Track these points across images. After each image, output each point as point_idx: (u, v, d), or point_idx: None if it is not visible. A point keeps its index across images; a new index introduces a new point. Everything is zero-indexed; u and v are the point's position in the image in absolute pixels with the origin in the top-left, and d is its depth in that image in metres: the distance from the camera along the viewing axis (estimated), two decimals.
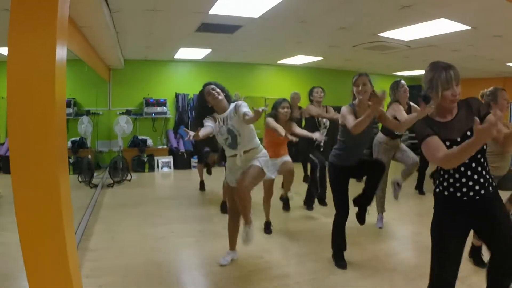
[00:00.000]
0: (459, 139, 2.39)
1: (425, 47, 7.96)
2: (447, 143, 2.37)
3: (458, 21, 5.87)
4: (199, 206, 6.90)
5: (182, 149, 10.82)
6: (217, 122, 3.88)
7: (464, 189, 2.44)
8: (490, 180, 2.49)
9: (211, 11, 5.61)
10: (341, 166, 4.01)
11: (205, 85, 3.96)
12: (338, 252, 4.19)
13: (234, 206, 4.10)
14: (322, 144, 5.80)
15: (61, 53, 2.15)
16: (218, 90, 3.88)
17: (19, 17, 2.01)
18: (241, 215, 4.02)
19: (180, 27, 6.78)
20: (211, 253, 4.59)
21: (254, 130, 4.00)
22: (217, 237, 5.08)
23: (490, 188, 2.47)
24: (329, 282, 3.84)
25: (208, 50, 9.42)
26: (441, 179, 2.56)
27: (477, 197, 2.44)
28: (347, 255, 4.21)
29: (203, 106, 3.94)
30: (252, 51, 9.56)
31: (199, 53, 9.81)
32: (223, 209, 6.06)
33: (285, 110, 4.97)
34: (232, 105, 3.91)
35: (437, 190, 2.59)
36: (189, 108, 11.28)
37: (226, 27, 6.64)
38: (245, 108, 3.76)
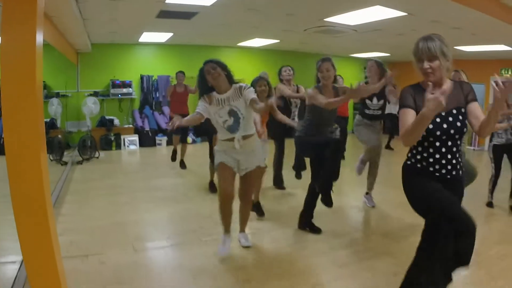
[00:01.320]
0: (443, 113, 2.34)
1: (371, 31, 8.31)
2: None
3: (393, 7, 6.21)
4: (163, 178, 7.47)
5: (147, 127, 11.28)
6: (216, 103, 3.66)
7: (437, 166, 2.41)
8: (462, 164, 2.47)
9: (167, 0, 6.06)
10: (307, 141, 4.20)
11: (205, 62, 3.68)
12: (308, 217, 4.50)
13: (229, 190, 3.70)
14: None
15: (39, 39, 2.54)
16: (219, 69, 3.61)
17: (9, 9, 2.38)
18: (241, 220, 4.07)
19: (141, 14, 7.18)
20: (167, 214, 5.26)
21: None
22: (177, 202, 5.75)
23: (460, 172, 2.45)
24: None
25: (170, 34, 9.73)
26: (414, 151, 2.51)
27: (448, 177, 2.43)
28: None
29: (203, 84, 3.70)
30: (211, 35, 9.87)
31: (162, 36, 10.08)
32: (212, 188, 6.20)
33: (262, 88, 4.71)
34: (236, 86, 3.68)
35: (409, 162, 2.53)
36: (153, 89, 11.63)
37: (183, 14, 7.07)
38: (252, 94, 3.57)
